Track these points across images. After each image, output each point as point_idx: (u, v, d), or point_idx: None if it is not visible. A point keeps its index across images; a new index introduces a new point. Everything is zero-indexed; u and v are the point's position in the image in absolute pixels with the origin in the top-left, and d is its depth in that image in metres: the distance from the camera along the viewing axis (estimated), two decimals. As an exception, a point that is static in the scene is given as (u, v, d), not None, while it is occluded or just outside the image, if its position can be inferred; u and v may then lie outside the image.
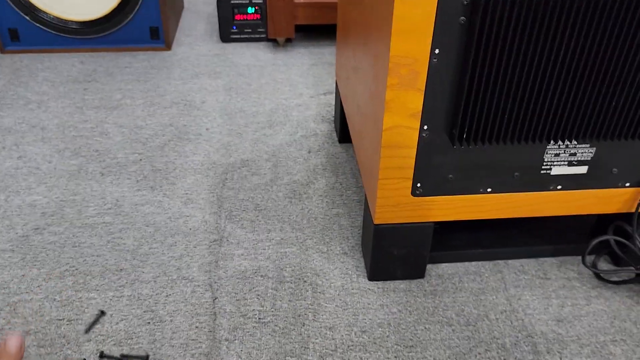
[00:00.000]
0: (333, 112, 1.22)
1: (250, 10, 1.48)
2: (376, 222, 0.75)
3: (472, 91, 0.63)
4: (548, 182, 0.73)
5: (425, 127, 0.66)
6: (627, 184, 0.75)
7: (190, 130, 1.15)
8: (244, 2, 1.47)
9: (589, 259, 0.84)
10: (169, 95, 1.27)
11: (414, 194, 0.72)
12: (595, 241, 0.78)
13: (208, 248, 0.86)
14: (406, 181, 0.71)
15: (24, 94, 1.26)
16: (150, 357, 0.69)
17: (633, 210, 0.77)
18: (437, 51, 0.61)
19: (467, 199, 0.73)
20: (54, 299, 0.77)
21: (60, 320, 0.74)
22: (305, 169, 1.04)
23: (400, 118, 0.65)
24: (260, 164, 1.05)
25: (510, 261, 0.85)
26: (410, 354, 0.71)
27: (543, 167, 0.72)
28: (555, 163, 0.72)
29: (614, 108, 0.66)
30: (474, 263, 0.84)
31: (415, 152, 0.68)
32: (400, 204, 0.73)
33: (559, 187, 0.74)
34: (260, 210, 0.94)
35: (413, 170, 0.70)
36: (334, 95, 1.28)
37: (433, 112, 0.65)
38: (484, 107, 0.64)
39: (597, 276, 0.82)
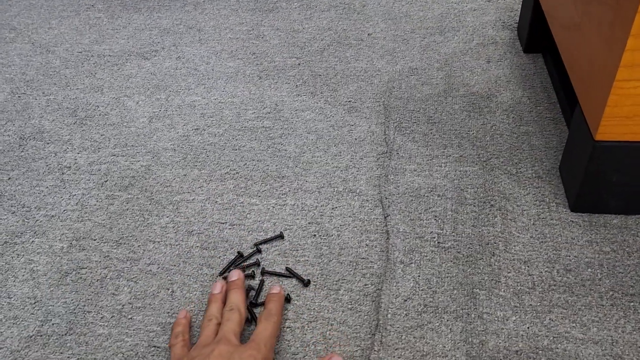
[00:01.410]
0: (516, 18, 1.03)
1: None
2: (598, 137, 0.59)
3: None
4: None
5: (700, 8, 0.49)
6: None
7: (351, 35, 1.04)
8: None
9: None
10: (327, -1, 1.16)
11: (659, 102, 0.55)
12: None
13: (376, 161, 0.76)
14: (653, 84, 0.54)
15: (181, -3, 1.22)
16: (317, 273, 0.62)
17: None
18: None
19: None
20: (216, 201, 0.72)
21: (223, 223, 0.69)
22: (484, 80, 0.89)
23: (667, -6, 0.48)
24: (431, 72, 0.92)
25: None
26: (632, 303, 0.57)
27: None
28: None
29: None
30: None
31: (676, 44, 0.51)
32: (638, 115, 0.57)
33: None
34: (433, 123, 0.82)
35: (667, 70, 0.53)
36: (516, -1, 1.09)
37: None
38: None
39: None
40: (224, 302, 0.57)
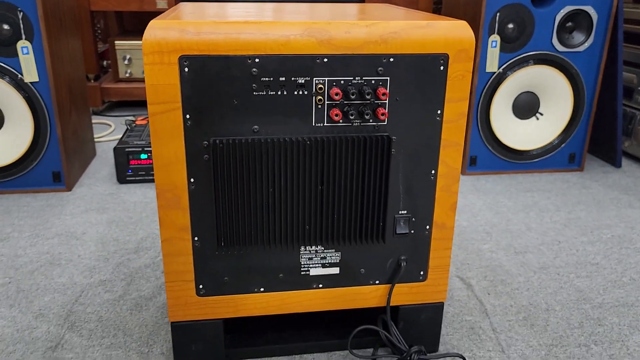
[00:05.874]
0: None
1: (143, 156, 1.73)
2: (171, 319, 0.90)
3: (220, 209, 0.83)
4: (310, 282, 0.91)
5: (195, 238, 0.85)
6: (377, 282, 0.93)
7: (63, 256, 1.31)
8: (137, 149, 1.72)
9: (367, 351, 0.99)
10: (55, 228, 1.45)
11: (198, 294, 0.89)
12: (356, 330, 0.94)
13: (43, 354, 0.98)
14: (189, 283, 0.88)
15: None
16: None
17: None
18: (192, 180, 0.82)
19: (244, 298, 0.90)
20: None
21: None
22: (154, 285, 1.20)
23: (172, 231, 0.84)
24: (116, 282, 1.21)
25: (305, 355, 0.99)
26: None
27: (302, 268, 0.90)
28: (311, 265, 0.90)
29: (337, 220, 0.86)
30: (275, 358, 0.98)
31: (192, 258, 0.86)
32: (188, 303, 0.89)
33: (320, 285, 0.92)
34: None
35: (193, 274, 0.87)
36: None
37: (199, 225, 0.85)
38: (231, 221, 0.84)
39: (375, 365, 0.97)
40: None
